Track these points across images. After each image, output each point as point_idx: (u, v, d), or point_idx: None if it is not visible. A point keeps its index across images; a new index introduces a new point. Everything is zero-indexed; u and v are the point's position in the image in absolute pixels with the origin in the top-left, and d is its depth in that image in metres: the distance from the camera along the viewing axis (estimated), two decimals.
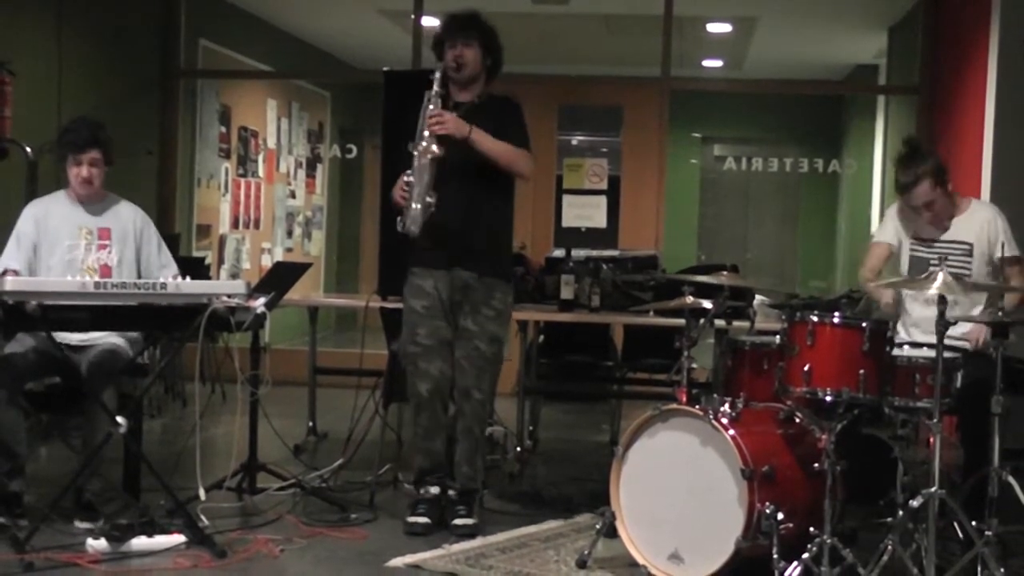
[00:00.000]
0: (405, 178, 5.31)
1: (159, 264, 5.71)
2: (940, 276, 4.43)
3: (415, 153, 5.27)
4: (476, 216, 5.40)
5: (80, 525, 5.16)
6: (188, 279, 5.15)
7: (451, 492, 5.53)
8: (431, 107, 5.31)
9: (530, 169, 5.57)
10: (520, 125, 5.55)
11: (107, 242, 5.60)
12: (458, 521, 5.42)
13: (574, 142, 13.51)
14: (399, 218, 5.30)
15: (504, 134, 5.43)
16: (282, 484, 5.90)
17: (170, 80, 10.30)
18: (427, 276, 5.45)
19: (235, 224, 11.54)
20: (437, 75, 5.38)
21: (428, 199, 5.23)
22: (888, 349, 4.63)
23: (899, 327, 5.44)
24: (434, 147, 5.24)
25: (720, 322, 5.56)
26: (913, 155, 5.47)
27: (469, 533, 5.36)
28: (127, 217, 5.70)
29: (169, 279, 5.16)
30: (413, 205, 5.24)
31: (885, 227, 5.78)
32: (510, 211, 5.67)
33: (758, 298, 6.17)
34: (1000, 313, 4.63)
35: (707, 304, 5.21)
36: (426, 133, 5.27)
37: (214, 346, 6.81)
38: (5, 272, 5.35)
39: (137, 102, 9.72)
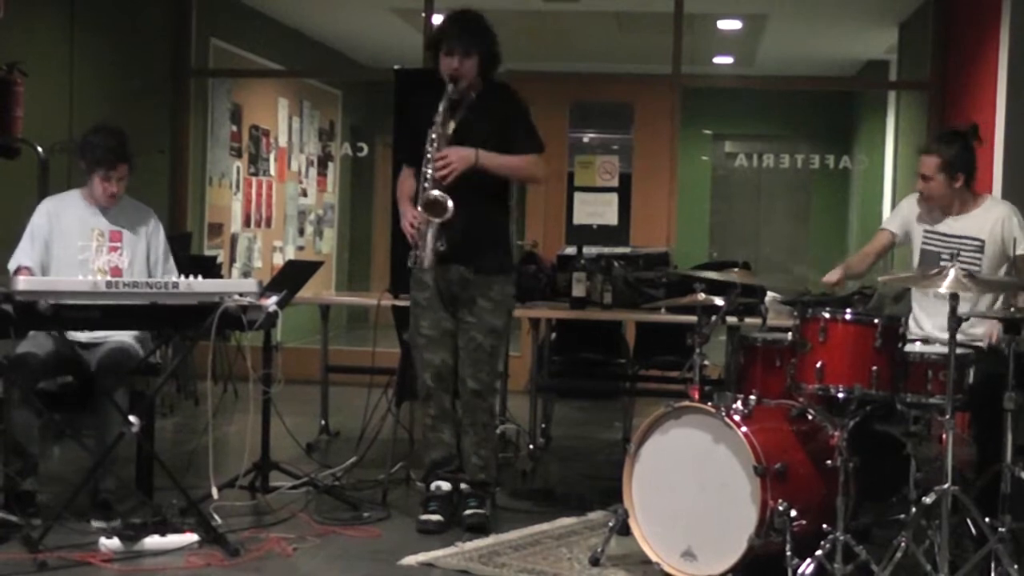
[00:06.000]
0: (414, 216, 5.35)
1: (163, 271, 5.71)
2: (952, 273, 4.42)
3: (425, 185, 5.30)
4: (471, 214, 5.35)
5: (96, 524, 5.17)
6: (200, 278, 5.15)
7: (463, 486, 5.54)
8: (432, 147, 5.30)
9: (544, 173, 5.70)
10: (526, 122, 5.56)
11: (118, 244, 5.61)
12: (469, 511, 5.43)
13: (585, 139, 13.51)
14: (411, 253, 5.36)
15: (511, 134, 5.45)
16: (295, 482, 5.90)
17: (181, 79, 10.31)
18: (427, 269, 5.46)
19: (247, 223, 11.56)
20: (449, 89, 5.33)
21: (440, 247, 5.28)
22: (900, 345, 4.63)
23: (909, 320, 5.44)
24: (436, 193, 5.24)
25: (732, 319, 5.56)
26: (951, 134, 5.60)
27: (479, 523, 5.36)
28: (140, 221, 5.71)
29: (180, 278, 5.16)
30: (428, 252, 5.30)
31: (893, 216, 5.82)
32: (505, 207, 5.68)
33: (770, 295, 6.16)
34: (1012, 309, 4.62)
35: (719, 301, 5.22)
36: (431, 175, 5.28)
37: (226, 345, 6.82)
38: (19, 270, 5.38)
39: (149, 101, 9.73)
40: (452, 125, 5.37)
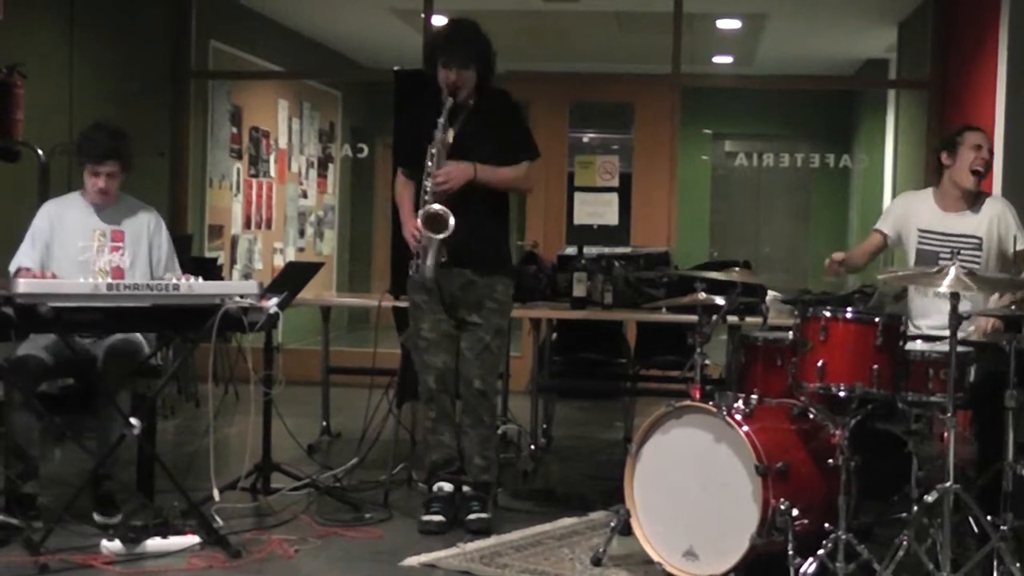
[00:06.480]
0: (416, 228, 5.36)
1: (167, 269, 5.70)
2: (952, 271, 4.41)
3: (426, 198, 5.34)
4: (472, 217, 5.37)
5: (98, 519, 5.18)
6: (200, 280, 5.15)
7: (465, 488, 5.54)
8: (431, 162, 5.34)
9: (534, 181, 5.88)
10: (523, 129, 5.67)
11: (120, 244, 5.61)
12: (472, 516, 5.43)
13: (585, 139, 13.52)
14: (412, 262, 5.42)
15: (510, 143, 5.52)
16: (296, 484, 5.91)
17: (181, 81, 10.32)
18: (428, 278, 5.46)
19: (247, 224, 11.56)
20: (447, 106, 5.36)
21: (442, 259, 5.33)
22: (901, 344, 4.63)
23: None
24: (438, 207, 5.29)
25: (733, 318, 5.56)
26: None
27: (483, 528, 5.37)
28: (141, 220, 5.70)
29: (181, 280, 5.16)
30: (430, 265, 5.33)
31: (885, 217, 5.81)
32: (505, 208, 5.70)
33: (770, 294, 6.16)
34: (1013, 307, 4.62)
35: (719, 300, 5.22)
36: (430, 188, 5.34)
37: (227, 346, 6.81)
38: (19, 271, 5.38)
39: (148, 103, 9.73)
40: (451, 133, 5.39)
